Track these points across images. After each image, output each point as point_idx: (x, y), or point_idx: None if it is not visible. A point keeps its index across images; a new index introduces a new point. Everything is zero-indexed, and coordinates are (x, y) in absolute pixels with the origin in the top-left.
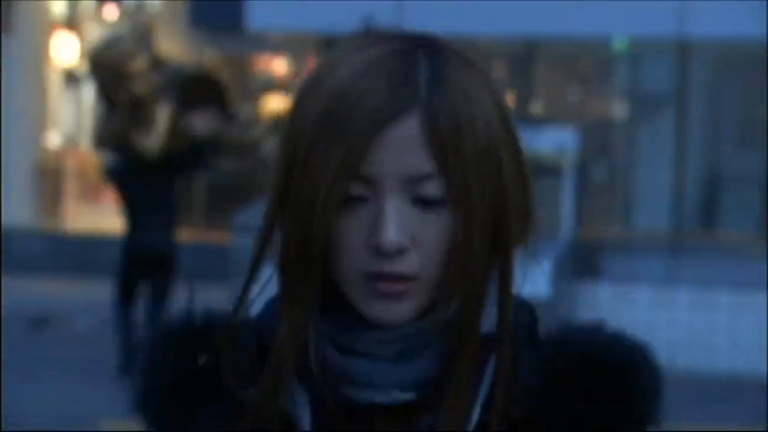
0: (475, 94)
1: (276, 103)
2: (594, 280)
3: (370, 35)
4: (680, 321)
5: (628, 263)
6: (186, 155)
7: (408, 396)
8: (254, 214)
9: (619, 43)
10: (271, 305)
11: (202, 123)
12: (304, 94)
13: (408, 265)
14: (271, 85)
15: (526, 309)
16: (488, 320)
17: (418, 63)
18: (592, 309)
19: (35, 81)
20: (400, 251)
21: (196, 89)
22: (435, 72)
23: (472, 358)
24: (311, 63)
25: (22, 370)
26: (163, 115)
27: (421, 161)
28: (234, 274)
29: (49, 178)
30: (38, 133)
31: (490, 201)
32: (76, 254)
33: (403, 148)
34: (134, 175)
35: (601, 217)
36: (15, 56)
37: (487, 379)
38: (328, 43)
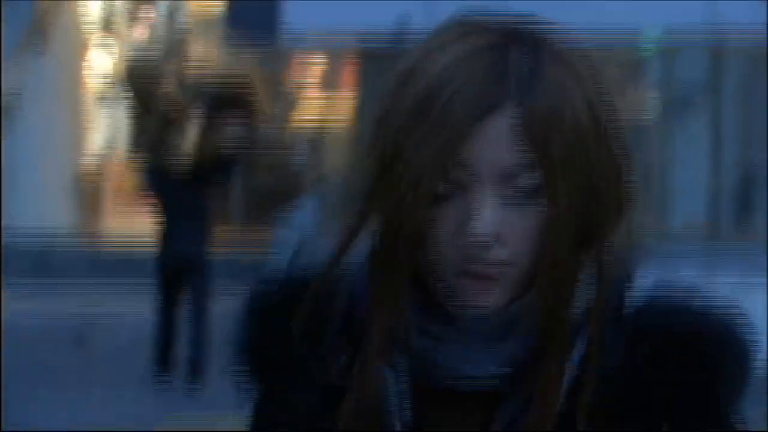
0: (566, 90)
1: (312, 102)
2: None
3: (467, 23)
4: None
5: (665, 259)
6: (212, 168)
7: (505, 371)
8: (295, 214)
9: (651, 38)
10: (359, 271)
11: (229, 135)
12: (401, 82)
13: (500, 253)
14: (308, 84)
15: (617, 285)
16: (581, 306)
17: (512, 58)
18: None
19: (71, 97)
20: (493, 239)
21: (226, 97)
22: (528, 67)
23: (561, 347)
24: (348, 62)
25: (64, 381)
26: (194, 124)
27: (511, 155)
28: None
29: (88, 189)
30: (77, 146)
31: (578, 195)
32: (114, 262)
33: (495, 142)
34: (167, 183)
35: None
36: (51, 74)
37: (572, 366)
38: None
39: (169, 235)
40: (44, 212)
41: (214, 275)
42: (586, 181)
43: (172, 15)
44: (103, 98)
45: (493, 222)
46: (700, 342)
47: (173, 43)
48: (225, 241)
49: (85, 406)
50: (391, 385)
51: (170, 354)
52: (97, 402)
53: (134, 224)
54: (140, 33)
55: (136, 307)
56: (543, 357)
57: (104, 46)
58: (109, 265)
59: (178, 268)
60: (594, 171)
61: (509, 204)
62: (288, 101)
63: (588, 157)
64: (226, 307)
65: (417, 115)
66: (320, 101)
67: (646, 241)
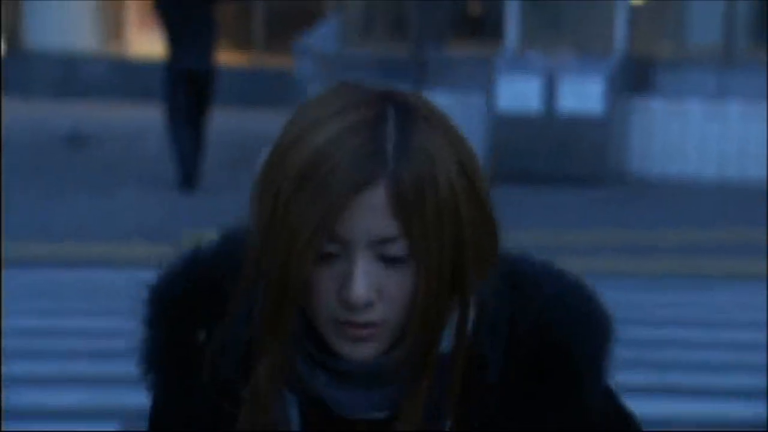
0: (438, 155)
1: None
2: (647, 96)
3: (346, 95)
4: (732, 132)
5: (681, 78)
6: None
7: (383, 414)
8: (314, 38)
9: None
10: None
11: None
12: (285, 150)
13: (374, 314)
14: None
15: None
16: (447, 341)
17: (387, 131)
18: (645, 124)
19: None
20: (365, 304)
21: None
22: (402, 139)
23: (430, 378)
24: None
25: (92, 183)
26: None
27: (386, 225)
28: (293, 98)
29: (111, 6)
30: None
31: (449, 254)
32: (137, 78)
33: (370, 214)
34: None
35: (653, 33)
36: None
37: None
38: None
39: (176, 49)
40: (67, 34)
41: (231, 96)
42: (456, 237)
43: None
44: None
45: (366, 289)
46: (565, 340)
47: None
48: (245, 64)
49: (102, 211)
50: (289, 398)
51: (188, 166)
52: (119, 207)
53: (154, 44)
54: None
55: (153, 121)
56: (414, 389)
57: None
58: (131, 80)
59: (184, 80)
60: (464, 226)
61: (382, 268)
62: None
63: (459, 214)
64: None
65: (300, 185)
66: None
67: None
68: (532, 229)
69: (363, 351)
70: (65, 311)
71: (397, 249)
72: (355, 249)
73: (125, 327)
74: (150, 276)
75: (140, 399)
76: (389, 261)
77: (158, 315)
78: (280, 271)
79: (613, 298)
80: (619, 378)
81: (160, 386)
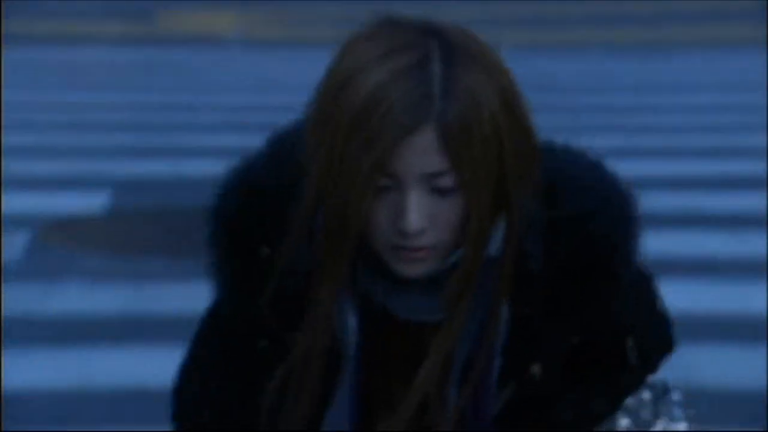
0: (481, 92)
1: None
2: None
3: (389, 31)
4: None
5: None
6: None
7: (437, 317)
8: None
9: None
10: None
11: None
12: (336, 92)
13: (426, 239)
14: None
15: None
16: (493, 246)
17: (432, 74)
18: None
19: None
20: (419, 232)
21: None
22: (446, 80)
23: (475, 282)
24: None
25: None
26: None
27: (435, 161)
28: None
29: None
30: None
31: (494, 180)
32: None
33: (421, 152)
34: None
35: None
36: None
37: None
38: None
39: None
40: None
41: None
42: (501, 165)
43: None
44: None
45: (419, 219)
46: (594, 255)
47: None
48: None
49: None
50: (347, 307)
51: None
52: None
53: None
54: None
55: None
56: (462, 294)
57: None
58: None
59: None
60: (507, 155)
61: (433, 199)
62: None
63: (502, 145)
64: None
65: (354, 128)
66: None
67: None
68: None
69: (417, 270)
70: (46, 86)
71: (447, 181)
72: (407, 183)
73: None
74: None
75: (127, 170)
76: (439, 192)
77: (219, 232)
78: (340, 205)
79: (585, 68)
80: (592, 142)
81: (226, 293)
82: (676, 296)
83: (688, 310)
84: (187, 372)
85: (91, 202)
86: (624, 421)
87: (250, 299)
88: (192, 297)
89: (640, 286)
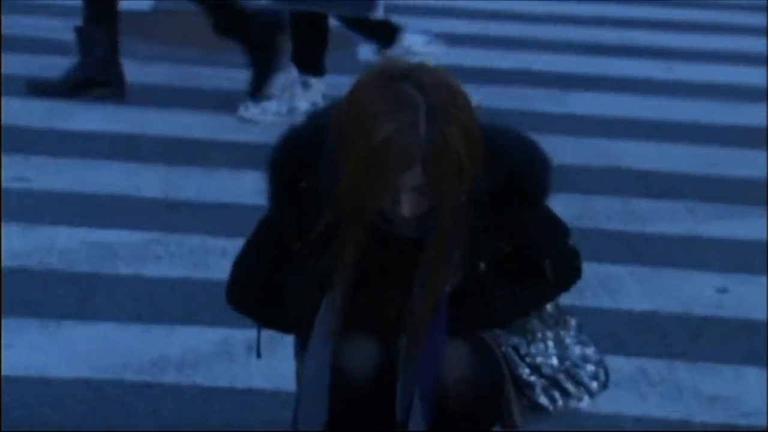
0: (451, 140)
1: None
2: None
3: (390, 89)
4: None
5: None
6: None
7: (418, 234)
8: None
9: None
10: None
11: None
12: (354, 136)
13: (412, 215)
14: None
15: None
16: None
17: (421, 131)
18: None
19: None
20: (410, 214)
21: None
22: (430, 134)
23: (451, 220)
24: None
25: None
26: None
27: (419, 180)
28: None
29: None
30: None
31: (455, 180)
32: None
33: (411, 177)
34: None
35: None
36: None
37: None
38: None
39: None
40: None
41: None
42: (460, 171)
43: None
44: None
45: (409, 209)
46: (521, 164)
47: None
48: None
49: None
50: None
51: None
52: None
53: None
54: None
55: None
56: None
57: None
58: None
59: None
60: (465, 166)
61: (417, 196)
62: None
63: (462, 164)
64: None
65: (371, 163)
66: None
67: None
68: None
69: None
70: None
71: (426, 188)
72: (402, 191)
73: None
74: None
75: None
76: (421, 192)
77: (275, 169)
78: (356, 205)
79: None
80: None
81: (278, 206)
82: None
83: None
84: (239, 264)
85: (140, 3)
86: (534, 321)
87: (292, 215)
88: (221, 77)
89: (557, 227)
